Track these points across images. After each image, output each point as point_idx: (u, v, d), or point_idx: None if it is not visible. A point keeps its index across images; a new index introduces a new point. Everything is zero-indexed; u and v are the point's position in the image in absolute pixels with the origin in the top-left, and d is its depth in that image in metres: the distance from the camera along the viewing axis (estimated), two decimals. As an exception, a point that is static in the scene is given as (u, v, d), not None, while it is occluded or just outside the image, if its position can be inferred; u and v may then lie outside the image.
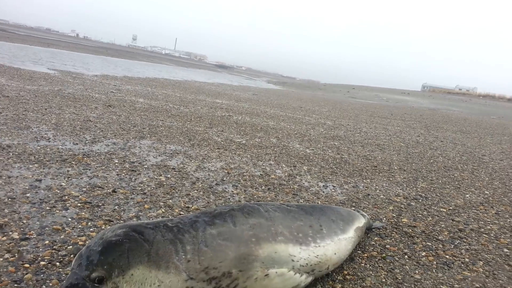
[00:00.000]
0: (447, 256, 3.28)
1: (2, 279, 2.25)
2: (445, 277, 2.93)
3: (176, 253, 2.12)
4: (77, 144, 5.54)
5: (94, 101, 9.78)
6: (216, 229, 2.29)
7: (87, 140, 5.83)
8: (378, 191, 5.13)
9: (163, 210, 3.59)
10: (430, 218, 4.20)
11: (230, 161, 5.83)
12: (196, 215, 2.40)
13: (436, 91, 68.64)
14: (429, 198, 4.99)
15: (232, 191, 4.44)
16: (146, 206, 3.63)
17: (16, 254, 2.50)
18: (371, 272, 2.89)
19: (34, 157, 4.65)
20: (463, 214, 4.46)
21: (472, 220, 4.28)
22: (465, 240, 3.68)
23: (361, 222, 3.19)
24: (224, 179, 4.88)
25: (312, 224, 2.69)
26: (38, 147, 5.07)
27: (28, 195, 3.51)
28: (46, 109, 7.81)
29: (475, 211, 4.64)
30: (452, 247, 3.50)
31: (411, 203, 4.72)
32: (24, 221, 3.00)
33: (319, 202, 4.43)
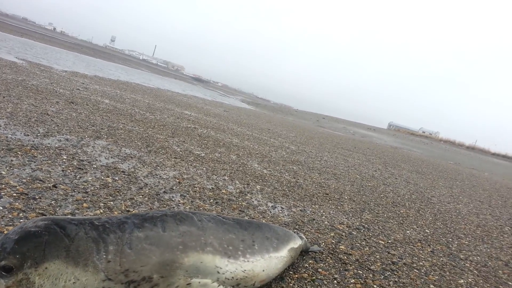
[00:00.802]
0: (374, 286, 3.38)
1: None
2: (368, 305, 3.01)
3: (97, 252, 2.09)
4: (28, 135, 5.38)
5: (56, 96, 9.55)
6: (143, 233, 2.28)
7: (39, 132, 5.67)
8: (323, 217, 5.24)
9: (101, 211, 3.53)
10: (367, 248, 4.33)
11: (185, 171, 5.81)
12: (126, 217, 2.39)
13: (401, 131, 71.16)
14: (371, 230, 5.14)
15: (178, 201, 4.42)
16: (84, 205, 3.56)
17: None
18: (298, 293, 2.94)
19: (-22, 142, 4.48)
20: (399, 248, 4.61)
21: (407, 255, 4.43)
22: (395, 273, 3.81)
23: (296, 243, 3.25)
24: (174, 188, 4.86)
25: (245, 238, 2.72)
26: (-15, 133, 4.89)
27: (-39, 179, 3.38)
28: (4, 97, 7.56)
29: (412, 247, 4.81)
30: (382, 277, 3.61)
31: (353, 232, 4.84)
32: (-50, 205, 2.88)
33: (264, 221, 4.48)
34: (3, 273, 1.85)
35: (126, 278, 2.13)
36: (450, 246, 5.24)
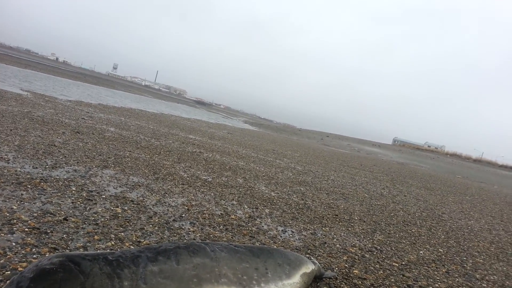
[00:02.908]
0: (392, 311, 3.31)
1: None
2: (387, 331, 2.94)
3: (112, 288, 2.08)
4: (36, 168, 5.41)
5: (62, 126, 9.64)
6: (157, 266, 2.27)
7: (47, 164, 5.70)
8: (335, 240, 5.18)
9: (113, 243, 3.51)
10: (381, 272, 4.26)
11: (193, 197, 5.79)
12: (139, 250, 2.38)
13: (406, 146, 70.92)
14: (384, 252, 5.07)
15: (188, 229, 4.39)
16: (96, 237, 3.54)
17: None
18: (315, 321, 2.88)
19: (-12, 177, 4.51)
20: (414, 270, 4.53)
21: (422, 277, 4.35)
22: (412, 296, 3.73)
23: (308, 268, 3.21)
24: (183, 215, 4.84)
25: (258, 266, 2.70)
26: (-6, 168, 4.92)
27: (-28, 216, 3.39)
28: (11, 130, 7.64)
29: (426, 268, 4.72)
30: (399, 301, 3.54)
31: (366, 255, 4.78)
32: (-37, 243, 2.88)
33: (275, 246, 4.43)
34: (20, 313, 1.84)
35: (142, 314, 2.10)
36: (465, 265, 5.14)
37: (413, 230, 6.65)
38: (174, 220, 4.58)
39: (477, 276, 4.75)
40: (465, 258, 5.48)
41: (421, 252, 5.39)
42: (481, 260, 5.50)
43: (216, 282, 2.39)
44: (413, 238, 6.08)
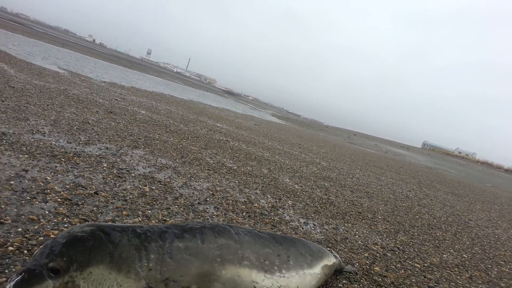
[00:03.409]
0: (411, 310, 3.28)
1: (-34, 257, 2.27)
2: (405, 330, 2.92)
3: (139, 260, 2.15)
4: (70, 143, 5.60)
5: (96, 105, 9.91)
6: (183, 243, 2.32)
7: (81, 140, 5.89)
8: (357, 236, 5.14)
9: (140, 219, 3.61)
10: (403, 271, 4.21)
11: (218, 183, 5.87)
12: (167, 226, 2.44)
13: (436, 151, 69.16)
14: (406, 252, 5.00)
15: (212, 212, 4.46)
16: (124, 212, 3.66)
17: (-15, 237, 2.53)
18: (332, 313, 2.89)
19: (26, 148, 4.70)
20: (436, 273, 4.46)
21: (444, 280, 4.28)
22: (433, 298, 3.68)
23: (330, 260, 3.21)
24: (208, 199, 4.91)
25: (281, 253, 2.72)
26: (32, 140, 5.13)
27: (12, 182, 3.55)
28: (48, 105, 7.92)
29: (449, 271, 4.64)
30: (419, 302, 3.50)
31: (387, 253, 4.73)
32: (2, 206, 3.03)
33: (296, 236, 4.44)
34: (51, 274, 1.93)
35: (166, 287, 2.16)
36: (490, 273, 5.01)
37: (438, 234, 6.52)
38: (199, 203, 4.66)
39: (502, 285, 4.62)
40: (490, 266, 5.33)
41: (444, 255, 5.29)
42: (507, 270, 5.35)
43: (238, 264, 2.43)
44: (437, 242, 5.97)
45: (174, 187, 5.00)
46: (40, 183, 3.76)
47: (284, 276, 2.61)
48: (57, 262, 1.95)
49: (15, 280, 1.87)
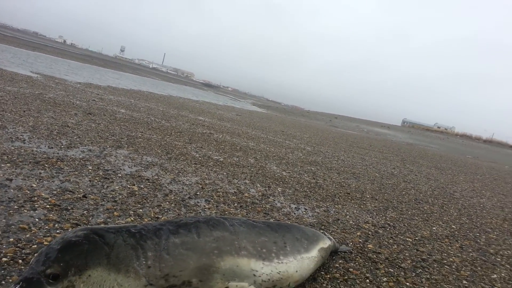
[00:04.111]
0: (407, 284, 3.36)
1: (-42, 273, 2.21)
2: (403, 303, 2.99)
3: (137, 258, 2.13)
4: (52, 148, 5.48)
5: (74, 108, 9.71)
6: (179, 238, 2.31)
7: (62, 144, 5.77)
8: (348, 217, 5.22)
9: (132, 219, 3.57)
10: (396, 246, 4.30)
11: (206, 176, 5.85)
12: (161, 223, 2.43)
13: (415, 127, 70.41)
14: (397, 228, 5.10)
15: (204, 206, 4.45)
16: (115, 213, 3.61)
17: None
18: (332, 293, 2.93)
19: (7, 157, 4.58)
20: (428, 245, 4.57)
21: (436, 252, 4.38)
22: (427, 270, 3.77)
23: (325, 243, 3.25)
24: (198, 193, 4.90)
25: (277, 240, 2.74)
26: (12, 148, 5.00)
27: (-5, 193, 3.46)
28: (24, 111, 7.72)
29: (440, 243, 4.75)
30: (414, 275, 3.58)
31: (379, 230, 4.81)
32: (-11, 218, 2.96)
33: (288, 222, 4.48)
34: (50, 281, 1.90)
35: (167, 283, 2.16)
36: (478, 241, 5.17)
37: (425, 208, 6.67)
38: (189, 197, 4.64)
39: (491, 251, 4.77)
40: (478, 234, 5.49)
41: (434, 228, 5.41)
42: (494, 236, 5.52)
43: (236, 254, 2.43)
44: (425, 215, 6.10)
45: (163, 183, 4.96)
46: (26, 191, 3.68)
47: (282, 262, 2.64)
48: (55, 268, 1.92)
49: (13, 291, 1.83)
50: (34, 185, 3.89)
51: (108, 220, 3.44)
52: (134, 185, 4.61)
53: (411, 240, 4.65)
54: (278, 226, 2.95)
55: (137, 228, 2.33)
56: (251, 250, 2.53)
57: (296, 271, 2.72)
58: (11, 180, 3.87)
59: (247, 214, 4.47)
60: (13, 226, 2.93)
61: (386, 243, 4.37)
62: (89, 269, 2.00)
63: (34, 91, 10.96)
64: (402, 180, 9.44)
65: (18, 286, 1.85)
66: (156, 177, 5.20)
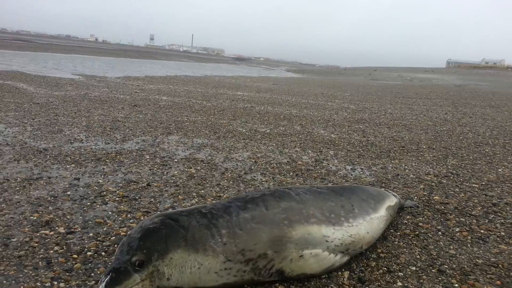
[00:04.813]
0: (481, 231, 3.26)
1: (55, 268, 2.41)
2: (480, 251, 2.91)
3: (212, 237, 2.21)
4: (108, 143, 5.73)
5: (120, 102, 10.04)
6: (249, 213, 2.37)
7: (117, 139, 6.02)
8: (407, 171, 5.10)
9: (196, 200, 3.70)
10: (463, 195, 4.16)
11: (256, 150, 5.90)
12: (228, 201, 2.49)
13: (462, 67, 66.60)
14: (461, 175, 4.93)
15: (261, 179, 4.52)
16: (180, 197, 3.75)
17: (64, 247, 2.66)
18: (405, 249, 2.91)
19: (70, 158, 4.85)
20: (496, 189, 4.39)
21: (506, 194, 4.21)
22: (499, 214, 3.64)
23: (392, 201, 3.21)
24: (252, 168, 4.96)
25: (344, 204, 2.73)
26: (73, 149, 5.28)
27: (68, 193, 3.69)
28: (75, 112, 8.08)
29: (509, 184, 4.56)
30: (487, 221, 3.47)
31: (442, 180, 4.68)
32: (68, 217, 3.17)
33: (348, 184, 4.45)
34: (136, 268, 2.03)
35: (244, 257, 2.23)
36: (551, 177, 4.89)
37: (487, 150, 6.37)
38: (245, 173, 4.72)
39: None
40: (549, 171, 5.20)
41: (499, 170, 5.18)
42: None
43: (306, 222, 2.46)
44: (488, 158, 5.84)
45: (217, 163, 5.07)
46: (95, 187, 3.89)
47: (352, 225, 2.63)
48: (139, 256, 2.04)
49: (105, 281, 1.97)
50: (100, 180, 4.10)
51: (175, 204, 3.58)
52: (191, 168, 4.75)
53: (477, 186, 4.49)
54: (342, 190, 2.94)
55: (207, 208, 2.41)
56: (320, 216, 2.55)
57: (367, 233, 2.71)
58: (78, 179, 4.10)
59: (304, 182, 4.49)
60: (90, 222, 3.12)
61: (452, 192, 4.24)
62: (170, 253, 2.11)
63: (80, 92, 11.42)
64: (457, 125, 9.04)
65: (108, 276, 1.99)
66: (210, 157, 5.32)
